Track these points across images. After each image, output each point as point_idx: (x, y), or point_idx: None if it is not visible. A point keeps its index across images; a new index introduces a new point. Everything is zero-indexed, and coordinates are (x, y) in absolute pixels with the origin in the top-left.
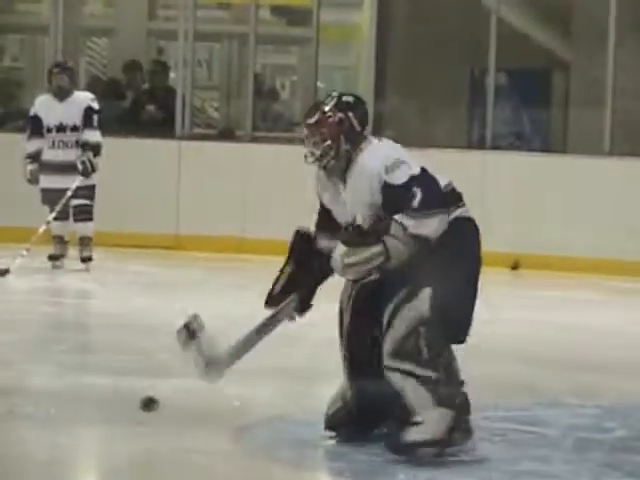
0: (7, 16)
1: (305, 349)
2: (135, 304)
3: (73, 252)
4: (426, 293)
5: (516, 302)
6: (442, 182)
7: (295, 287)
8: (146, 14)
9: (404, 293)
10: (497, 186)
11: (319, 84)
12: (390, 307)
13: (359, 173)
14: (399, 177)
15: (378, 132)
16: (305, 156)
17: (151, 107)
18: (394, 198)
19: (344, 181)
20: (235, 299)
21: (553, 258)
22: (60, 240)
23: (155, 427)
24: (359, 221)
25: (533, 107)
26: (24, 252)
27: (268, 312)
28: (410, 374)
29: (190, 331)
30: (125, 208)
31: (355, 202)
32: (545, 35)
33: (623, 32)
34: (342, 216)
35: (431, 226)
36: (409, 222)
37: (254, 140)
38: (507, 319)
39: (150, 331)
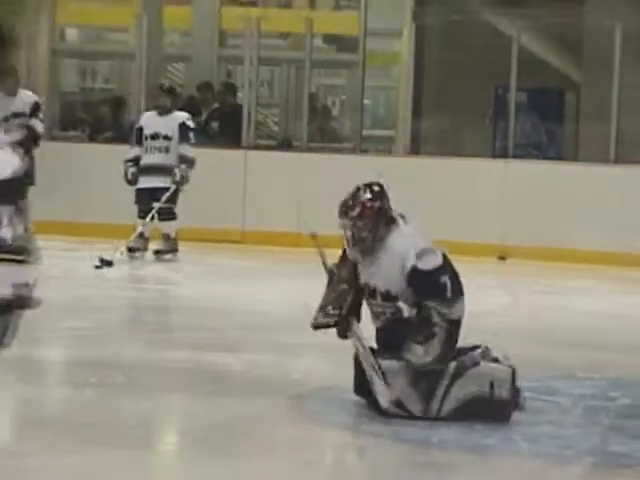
0: (99, 45)
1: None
2: (210, 290)
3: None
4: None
5: (534, 289)
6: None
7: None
8: (217, 42)
9: None
10: (517, 190)
11: (365, 102)
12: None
13: (390, 254)
14: (427, 264)
15: (416, 144)
16: (347, 241)
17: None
18: (424, 283)
19: (370, 257)
20: (296, 285)
21: (565, 251)
22: (141, 235)
23: (227, 395)
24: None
25: (549, 121)
26: (123, 248)
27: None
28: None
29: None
30: (200, 208)
31: (380, 276)
32: (559, 60)
33: (627, 58)
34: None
35: (459, 309)
36: (446, 310)
37: (309, 150)
38: (526, 303)
39: (223, 313)
